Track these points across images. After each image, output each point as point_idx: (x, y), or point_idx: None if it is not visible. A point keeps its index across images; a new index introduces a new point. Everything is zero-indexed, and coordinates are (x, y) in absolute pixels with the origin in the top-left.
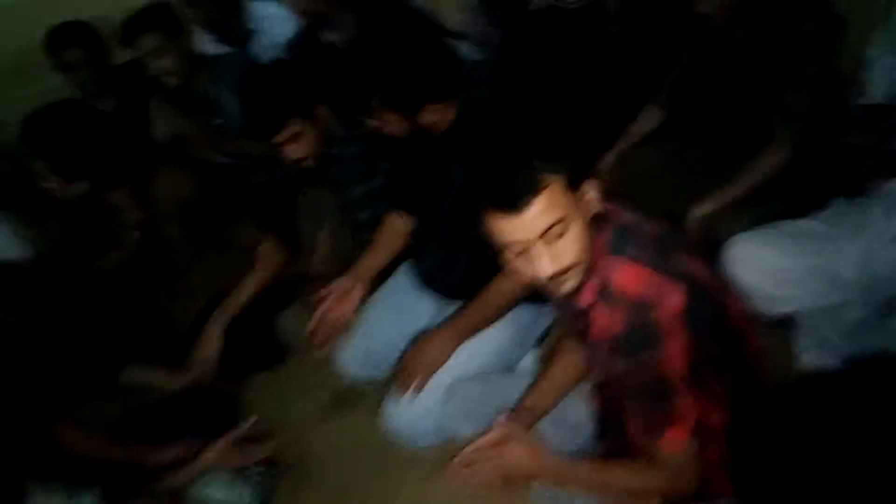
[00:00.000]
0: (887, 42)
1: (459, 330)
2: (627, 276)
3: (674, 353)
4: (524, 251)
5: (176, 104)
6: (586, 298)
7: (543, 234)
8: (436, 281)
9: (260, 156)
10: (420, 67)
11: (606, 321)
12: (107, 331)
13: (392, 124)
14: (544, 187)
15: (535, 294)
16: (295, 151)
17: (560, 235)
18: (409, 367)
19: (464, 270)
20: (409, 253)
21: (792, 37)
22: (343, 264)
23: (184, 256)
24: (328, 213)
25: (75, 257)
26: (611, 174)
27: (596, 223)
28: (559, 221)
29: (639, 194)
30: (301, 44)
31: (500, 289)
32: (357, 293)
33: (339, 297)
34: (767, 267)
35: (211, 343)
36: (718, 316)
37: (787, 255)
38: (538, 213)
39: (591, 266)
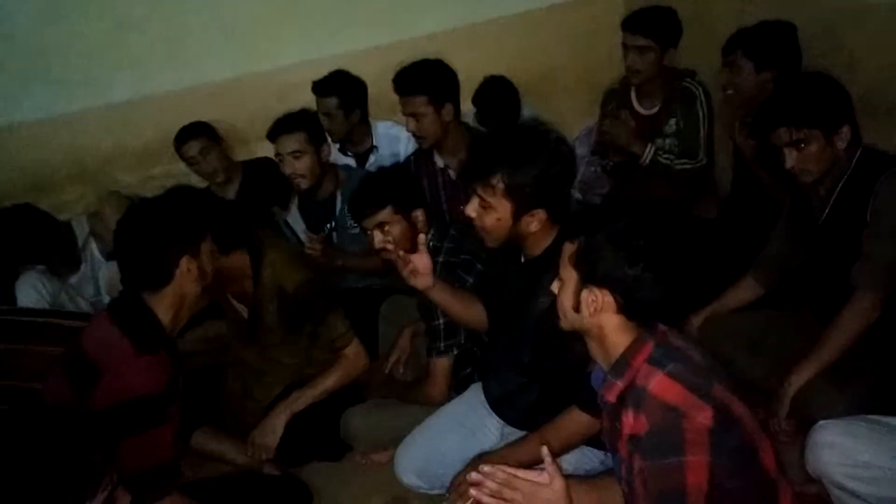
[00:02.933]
0: None
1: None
2: (662, 387)
3: (696, 466)
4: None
5: (301, 205)
6: (612, 393)
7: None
8: (504, 406)
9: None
10: (545, 163)
11: (633, 422)
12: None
13: (498, 212)
14: None
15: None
16: (380, 241)
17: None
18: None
19: (535, 400)
20: (480, 373)
21: (869, 197)
22: (419, 370)
23: (274, 339)
24: (408, 319)
25: None
26: (697, 335)
27: (644, 333)
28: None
29: (731, 361)
30: (415, 163)
31: (568, 425)
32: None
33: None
34: (844, 457)
35: (273, 431)
36: (746, 453)
37: (869, 451)
38: None
39: (624, 366)
